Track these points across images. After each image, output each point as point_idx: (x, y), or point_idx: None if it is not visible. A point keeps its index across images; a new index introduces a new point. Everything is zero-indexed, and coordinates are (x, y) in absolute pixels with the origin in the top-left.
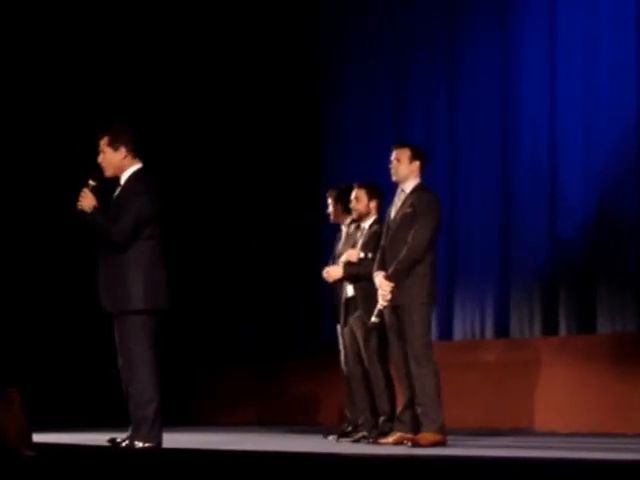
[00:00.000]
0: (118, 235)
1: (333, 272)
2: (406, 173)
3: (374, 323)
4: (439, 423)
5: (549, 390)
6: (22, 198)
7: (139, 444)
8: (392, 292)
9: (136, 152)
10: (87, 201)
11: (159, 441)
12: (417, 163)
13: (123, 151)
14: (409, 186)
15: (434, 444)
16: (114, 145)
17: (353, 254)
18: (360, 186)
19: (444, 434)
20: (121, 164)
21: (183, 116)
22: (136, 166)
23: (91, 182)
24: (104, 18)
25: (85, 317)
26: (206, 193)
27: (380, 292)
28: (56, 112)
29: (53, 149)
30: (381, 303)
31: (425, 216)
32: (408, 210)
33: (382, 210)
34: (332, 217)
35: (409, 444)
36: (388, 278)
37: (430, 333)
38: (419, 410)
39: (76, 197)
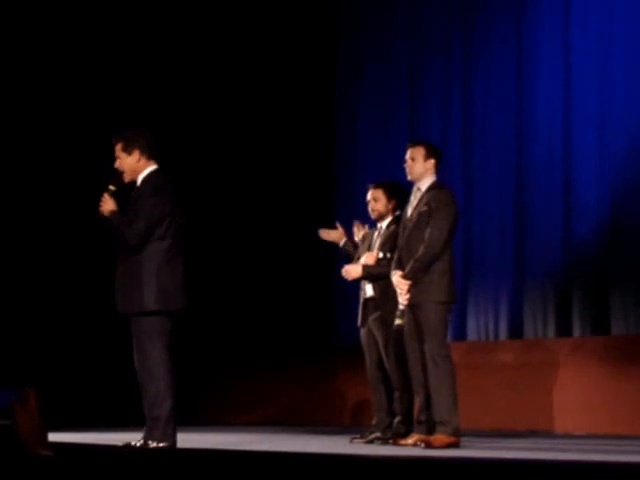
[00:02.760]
0: (132, 238)
1: (353, 272)
2: (421, 171)
3: (399, 325)
4: (453, 425)
5: (563, 391)
6: (40, 200)
7: (153, 444)
8: (410, 291)
9: (150, 154)
10: (107, 206)
11: (173, 441)
12: (432, 161)
13: (137, 154)
14: (425, 184)
15: (448, 446)
16: (127, 149)
17: (371, 257)
18: (377, 186)
19: (458, 436)
20: (136, 167)
21: (198, 116)
22: (151, 168)
23: (111, 187)
24: (118, 21)
25: (100, 317)
26: (219, 193)
27: (398, 292)
28: (69, 114)
29: (73, 152)
30: (401, 303)
31: (441, 213)
32: (424, 208)
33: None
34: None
35: (422, 445)
36: (405, 277)
37: (447, 332)
38: (434, 411)
39: (96, 201)
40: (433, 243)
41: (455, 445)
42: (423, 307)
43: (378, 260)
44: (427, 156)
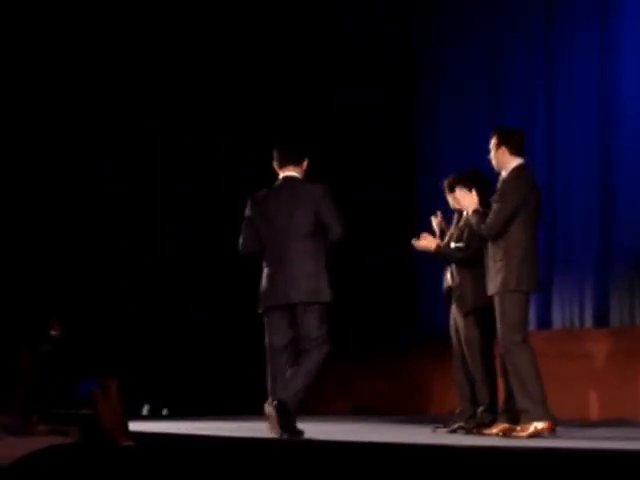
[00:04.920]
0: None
1: (425, 242)
2: (498, 160)
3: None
4: (538, 414)
5: None
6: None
7: None
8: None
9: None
10: None
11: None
12: (504, 148)
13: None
14: (505, 171)
15: (533, 435)
16: None
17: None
18: (450, 184)
19: (545, 425)
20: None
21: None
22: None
23: None
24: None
25: (185, 308)
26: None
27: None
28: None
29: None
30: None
31: (500, 201)
32: (495, 196)
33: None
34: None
35: (507, 435)
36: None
37: (523, 320)
38: (517, 400)
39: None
40: (485, 230)
41: (540, 434)
42: (500, 296)
43: (456, 248)
44: (498, 144)
